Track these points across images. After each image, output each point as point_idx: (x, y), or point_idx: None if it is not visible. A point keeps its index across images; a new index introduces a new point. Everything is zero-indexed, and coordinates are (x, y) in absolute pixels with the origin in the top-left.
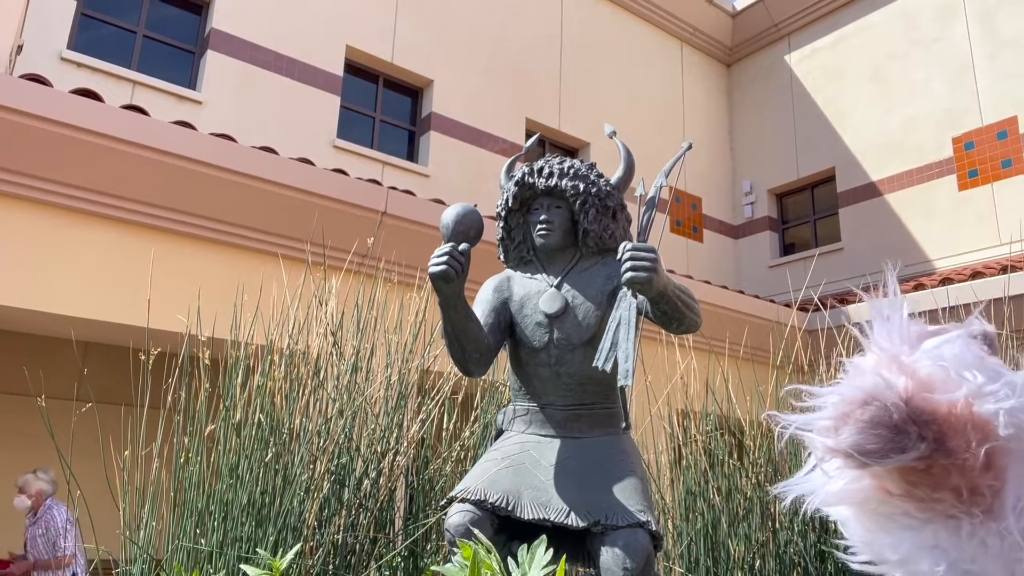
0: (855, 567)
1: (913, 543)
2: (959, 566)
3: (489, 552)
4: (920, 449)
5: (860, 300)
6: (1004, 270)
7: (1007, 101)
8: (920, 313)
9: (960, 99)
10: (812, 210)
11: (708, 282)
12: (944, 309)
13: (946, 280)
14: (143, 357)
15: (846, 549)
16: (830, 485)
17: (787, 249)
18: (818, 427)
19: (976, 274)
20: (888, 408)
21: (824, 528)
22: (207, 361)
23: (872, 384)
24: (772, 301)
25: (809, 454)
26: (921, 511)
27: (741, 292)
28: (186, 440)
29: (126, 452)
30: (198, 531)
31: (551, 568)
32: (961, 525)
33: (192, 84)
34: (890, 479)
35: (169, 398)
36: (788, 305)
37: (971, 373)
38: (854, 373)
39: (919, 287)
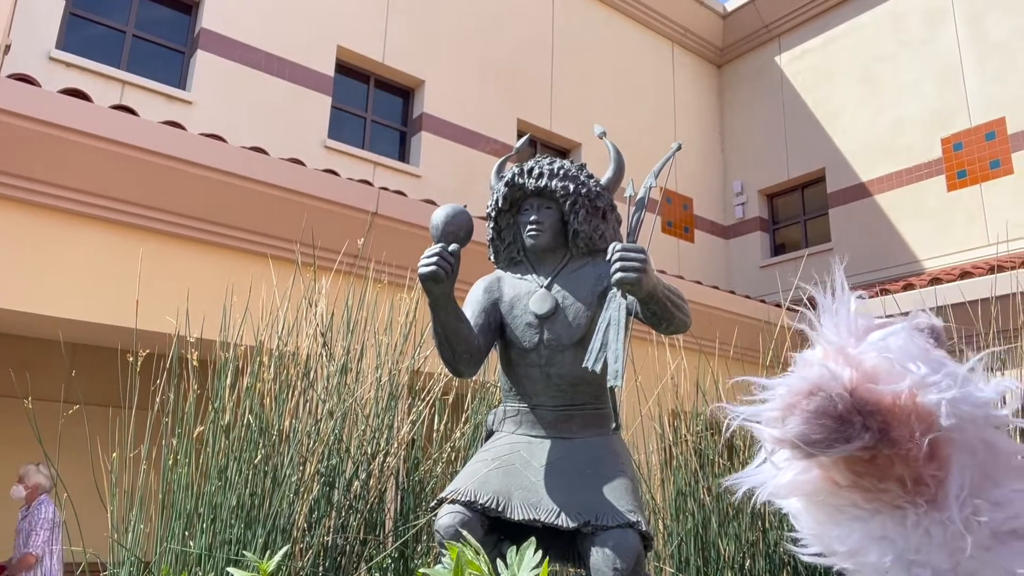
0: (806, 559)
1: (862, 534)
2: (905, 557)
3: (477, 553)
4: (865, 439)
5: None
6: (992, 270)
7: (995, 103)
8: (907, 313)
9: (949, 100)
10: (802, 210)
11: (699, 282)
12: (933, 309)
13: (935, 280)
14: (131, 359)
15: (796, 542)
16: (779, 477)
17: (778, 249)
18: (765, 418)
19: (965, 274)
20: (833, 398)
21: None
22: (196, 362)
23: (818, 375)
24: (763, 301)
25: (760, 447)
26: (868, 502)
27: (732, 292)
28: (174, 442)
29: (114, 454)
30: (186, 533)
31: (540, 570)
32: (907, 515)
33: (182, 84)
34: (837, 470)
35: (157, 400)
36: (778, 305)
37: (915, 364)
38: (801, 365)
39: (908, 287)
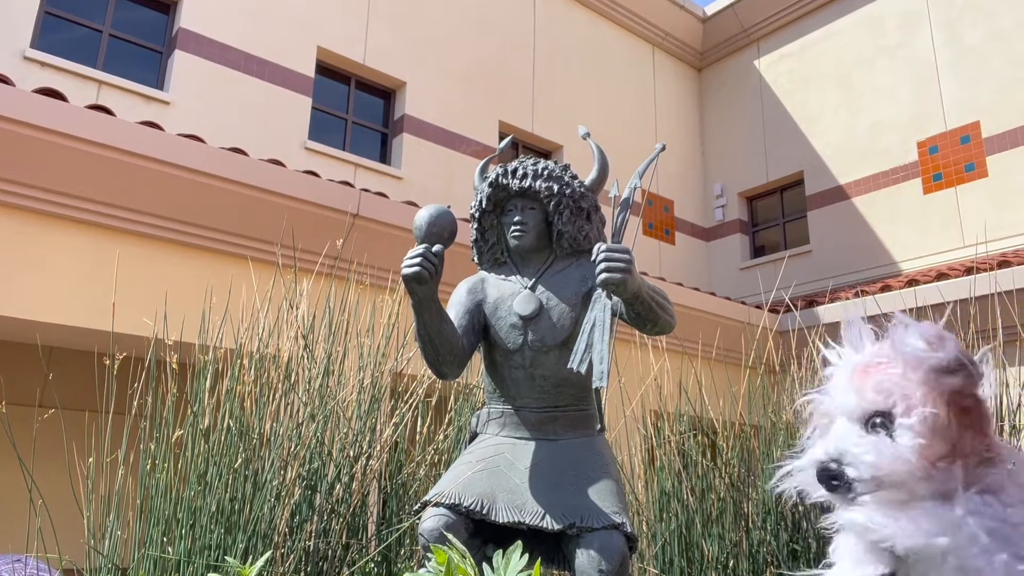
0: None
1: (951, 513)
2: (1003, 530)
3: (463, 557)
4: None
5: (828, 301)
6: (968, 271)
7: (970, 106)
8: (888, 314)
9: (924, 104)
10: (781, 213)
11: (680, 284)
12: (912, 310)
13: (912, 282)
14: (108, 362)
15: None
16: (887, 450)
17: (757, 251)
18: (916, 347)
19: (941, 275)
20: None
21: (796, 528)
22: (174, 365)
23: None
24: (743, 303)
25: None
26: (964, 472)
27: (713, 294)
28: (152, 446)
29: (91, 459)
30: (165, 539)
31: (527, 573)
32: (987, 482)
33: (160, 84)
34: (944, 434)
35: (135, 404)
36: (759, 307)
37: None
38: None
39: (886, 288)
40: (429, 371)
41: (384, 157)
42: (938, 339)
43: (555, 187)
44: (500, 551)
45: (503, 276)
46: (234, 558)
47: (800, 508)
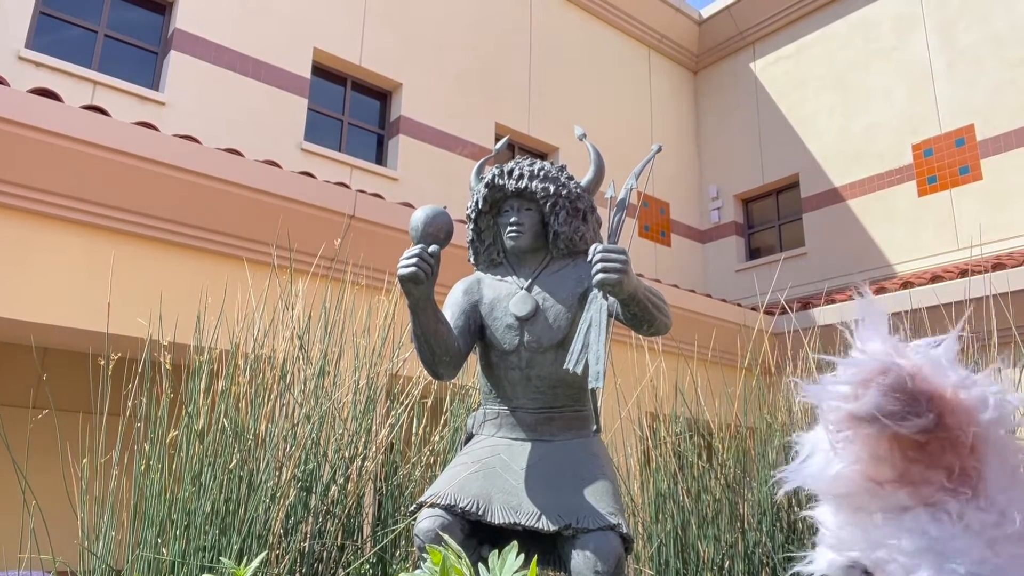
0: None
1: (894, 527)
2: (936, 549)
3: (459, 557)
4: (929, 419)
5: (828, 302)
6: (963, 274)
7: (964, 109)
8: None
9: (919, 107)
10: (777, 215)
11: (676, 286)
12: (906, 312)
13: (907, 284)
14: (103, 363)
15: (801, 559)
16: (829, 468)
17: (753, 254)
18: (838, 394)
19: (936, 278)
20: (904, 376)
21: (792, 529)
22: (169, 366)
23: (885, 357)
24: (739, 305)
25: (796, 451)
26: (910, 496)
27: (709, 296)
28: (147, 447)
29: (85, 460)
30: (159, 540)
31: (523, 573)
32: (948, 507)
33: (155, 85)
34: (890, 459)
35: (129, 404)
36: (755, 308)
37: (955, 369)
38: (853, 362)
39: (881, 291)
40: (425, 372)
41: (380, 158)
42: (867, 380)
43: (551, 188)
44: (496, 551)
45: (499, 277)
46: (229, 559)
47: (796, 510)
